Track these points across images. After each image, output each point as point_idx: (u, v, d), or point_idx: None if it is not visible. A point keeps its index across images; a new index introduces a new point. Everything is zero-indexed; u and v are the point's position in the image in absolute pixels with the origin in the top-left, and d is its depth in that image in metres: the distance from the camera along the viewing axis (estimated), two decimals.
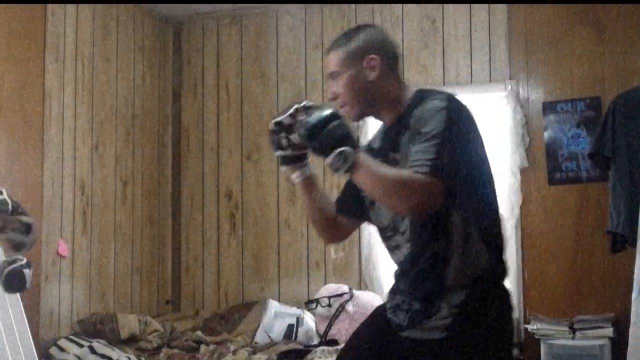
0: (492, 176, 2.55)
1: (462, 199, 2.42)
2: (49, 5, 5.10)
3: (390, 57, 2.61)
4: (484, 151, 2.51)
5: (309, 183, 2.65)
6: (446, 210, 2.41)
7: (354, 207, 2.70)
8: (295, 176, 2.62)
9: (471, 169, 2.43)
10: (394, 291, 2.64)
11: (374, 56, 2.56)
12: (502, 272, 2.55)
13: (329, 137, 2.35)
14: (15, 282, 3.12)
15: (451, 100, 2.45)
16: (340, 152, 2.32)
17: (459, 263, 2.43)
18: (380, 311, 2.73)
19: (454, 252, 2.43)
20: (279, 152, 2.53)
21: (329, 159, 2.33)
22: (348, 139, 2.35)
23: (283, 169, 2.61)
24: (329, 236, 2.85)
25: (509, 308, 2.54)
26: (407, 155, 2.40)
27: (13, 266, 3.12)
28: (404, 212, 2.43)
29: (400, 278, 2.60)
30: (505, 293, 2.54)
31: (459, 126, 2.39)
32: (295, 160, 2.56)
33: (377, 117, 2.66)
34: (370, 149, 2.69)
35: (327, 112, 2.38)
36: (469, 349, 2.42)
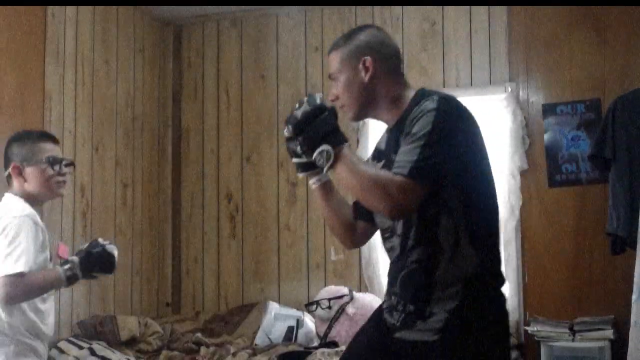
0: (490, 178, 2.53)
1: (452, 201, 2.41)
2: (49, 7, 5.10)
3: (387, 58, 2.60)
4: (481, 153, 2.49)
5: (327, 189, 2.65)
6: (436, 212, 2.41)
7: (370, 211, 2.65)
8: (312, 182, 2.63)
9: (462, 171, 2.41)
10: (389, 292, 2.62)
11: (368, 57, 2.56)
12: (497, 276, 2.53)
13: (313, 133, 2.40)
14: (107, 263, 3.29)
15: (444, 101, 2.43)
16: (321, 151, 2.38)
17: (448, 266, 2.42)
18: (378, 311, 2.72)
19: (442, 256, 2.42)
20: (295, 160, 2.54)
21: (313, 157, 2.40)
22: (331, 134, 2.40)
23: (300, 175, 2.61)
24: (350, 242, 2.82)
25: (504, 312, 2.53)
26: None
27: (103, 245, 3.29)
28: (381, 212, 2.43)
29: (393, 279, 2.59)
30: (501, 298, 2.53)
31: (448, 127, 2.37)
32: (311, 166, 2.53)
33: (378, 118, 2.65)
34: (378, 151, 2.71)
35: (312, 107, 2.42)
36: (461, 353, 2.41)
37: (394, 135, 2.57)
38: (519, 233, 5.50)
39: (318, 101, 2.43)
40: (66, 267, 3.17)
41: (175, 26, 6.51)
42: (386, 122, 2.65)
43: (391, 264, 2.61)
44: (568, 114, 5.47)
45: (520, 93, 5.61)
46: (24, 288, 3.04)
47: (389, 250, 2.61)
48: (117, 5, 5.80)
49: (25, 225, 3.13)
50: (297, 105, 2.46)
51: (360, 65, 2.56)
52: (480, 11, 5.73)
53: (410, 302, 2.48)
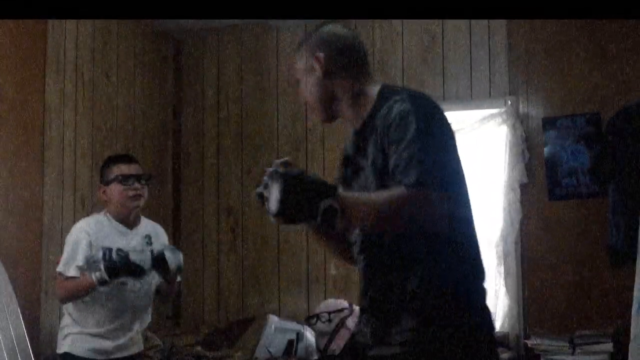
0: (465, 182, 2.37)
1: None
2: (50, 21, 5.11)
3: (342, 51, 2.49)
4: (456, 151, 2.37)
5: (317, 230, 2.63)
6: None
7: None
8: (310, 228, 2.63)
9: (447, 175, 2.24)
10: (360, 310, 2.53)
11: (319, 54, 2.46)
12: (476, 286, 2.38)
13: (301, 205, 2.13)
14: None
15: (414, 101, 2.35)
16: (326, 209, 2.11)
17: (421, 276, 2.29)
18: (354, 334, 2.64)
19: (415, 265, 2.30)
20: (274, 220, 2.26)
21: (318, 219, 2.12)
22: (322, 188, 2.14)
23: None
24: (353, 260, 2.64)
25: (485, 325, 2.38)
26: (375, 163, 2.34)
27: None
28: (412, 228, 2.24)
29: (362, 294, 2.48)
30: (481, 308, 2.38)
31: (428, 128, 2.27)
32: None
33: (345, 117, 2.53)
34: (345, 157, 2.59)
35: (287, 178, 2.15)
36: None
37: (360, 139, 2.46)
38: (519, 246, 5.49)
39: (281, 170, 2.20)
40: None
41: (175, 39, 6.52)
42: (352, 123, 2.51)
43: (360, 278, 2.50)
44: (568, 127, 5.48)
45: (520, 106, 5.61)
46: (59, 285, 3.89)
47: (356, 263, 2.54)
48: (117, 19, 5.80)
49: (71, 236, 3.90)
50: (262, 186, 2.27)
51: (314, 63, 2.47)
52: (480, 24, 5.74)
53: (379, 316, 2.37)
